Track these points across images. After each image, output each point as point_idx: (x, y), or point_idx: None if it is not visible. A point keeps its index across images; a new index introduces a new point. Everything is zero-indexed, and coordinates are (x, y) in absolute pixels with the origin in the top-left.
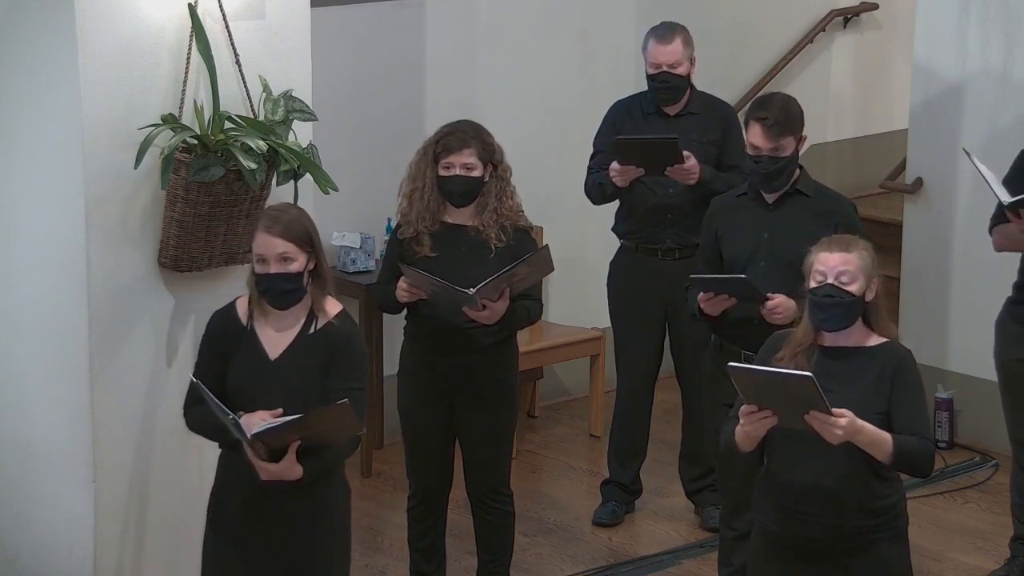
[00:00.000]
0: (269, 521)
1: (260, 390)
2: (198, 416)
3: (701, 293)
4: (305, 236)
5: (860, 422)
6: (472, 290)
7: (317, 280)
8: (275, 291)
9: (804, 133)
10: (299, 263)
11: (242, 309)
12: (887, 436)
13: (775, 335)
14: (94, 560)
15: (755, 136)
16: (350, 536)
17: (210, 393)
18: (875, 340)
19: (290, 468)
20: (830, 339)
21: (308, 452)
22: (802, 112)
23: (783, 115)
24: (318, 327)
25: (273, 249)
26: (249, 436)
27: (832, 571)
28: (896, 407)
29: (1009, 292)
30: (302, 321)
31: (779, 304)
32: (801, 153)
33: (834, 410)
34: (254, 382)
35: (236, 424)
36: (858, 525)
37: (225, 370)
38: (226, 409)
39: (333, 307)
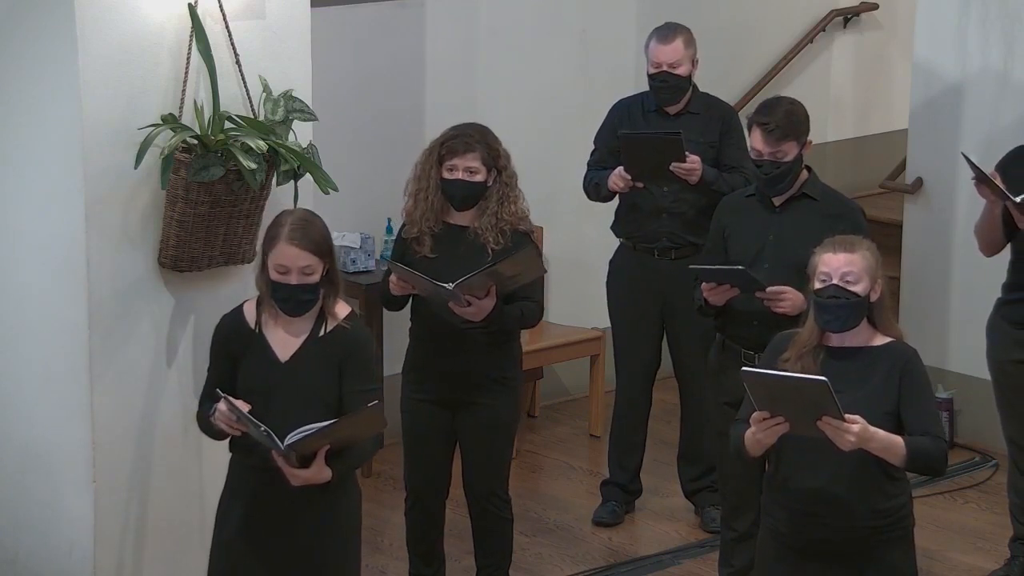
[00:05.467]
0: (283, 525)
1: (271, 391)
2: (208, 420)
3: (704, 283)
4: (327, 247)
5: (872, 429)
6: (450, 284)
7: (329, 284)
8: (294, 301)
9: (809, 138)
10: (319, 274)
11: (250, 313)
12: (899, 440)
13: (780, 335)
14: (94, 560)
15: (756, 140)
16: (360, 539)
17: (237, 406)
18: (881, 340)
19: (320, 472)
20: (836, 339)
21: (334, 453)
22: (807, 117)
23: (785, 120)
24: (328, 330)
25: (298, 262)
26: (283, 447)
27: (842, 572)
28: (906, 407)
29: None
30: (312, 324)
31: (785, 290)
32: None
33: (847, 416)
34: (265, 384)
35: (268, 435)
36: (869, 526)
37: (235, 373)
38: (257, 422)
39: (343, 309)
